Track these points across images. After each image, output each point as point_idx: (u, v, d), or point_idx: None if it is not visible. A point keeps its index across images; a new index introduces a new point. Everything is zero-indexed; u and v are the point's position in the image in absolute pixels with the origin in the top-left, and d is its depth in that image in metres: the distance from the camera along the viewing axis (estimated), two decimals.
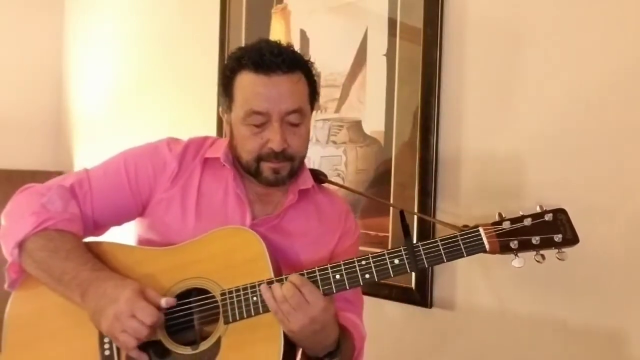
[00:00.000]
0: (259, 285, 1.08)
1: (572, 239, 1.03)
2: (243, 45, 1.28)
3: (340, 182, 1.72)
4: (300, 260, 1.23)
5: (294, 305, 1.03)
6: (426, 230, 1.59)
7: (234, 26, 2.08)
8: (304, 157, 1.22)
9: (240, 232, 1.15)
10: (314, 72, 1.22)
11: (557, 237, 1.03)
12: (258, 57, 1.14)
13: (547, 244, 1.03)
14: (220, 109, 1.25)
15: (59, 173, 1.18)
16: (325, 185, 1.35)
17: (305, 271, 1.08)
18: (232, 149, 1.22)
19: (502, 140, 1.49)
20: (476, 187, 1.53)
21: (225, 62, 1.23)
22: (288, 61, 1.15)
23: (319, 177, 1.32)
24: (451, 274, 1.57)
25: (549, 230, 1.03)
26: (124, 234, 1.28)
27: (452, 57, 1.57)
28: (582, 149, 1.36)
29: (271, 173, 1.17)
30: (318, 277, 1.07)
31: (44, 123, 2.98)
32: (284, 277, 1.08)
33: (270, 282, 1.07)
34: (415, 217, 1.59)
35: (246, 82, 1.15)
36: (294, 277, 1.06)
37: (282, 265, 1.19)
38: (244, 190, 1.23)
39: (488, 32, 1.52)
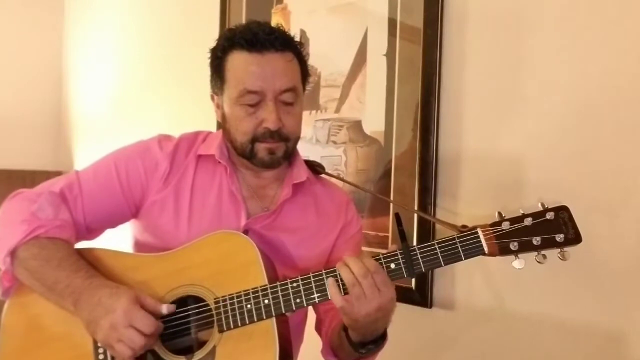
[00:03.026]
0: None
1: (574, 238, 1.00)
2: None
3: None
4: (299, 255, 1.22)
5: (366, 289, 1.00)
6: (426, 231, 1.59)
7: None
8: (298, 138, 1.20)
9: (233, 237, 1.13)
10: (304, 53, 1.21)
11: (559, 237, 1.00)
12: (251, 35, 1.12)
13: (549, 244, 1.00)
14: (210, 92, 1.23)
15: (59, 173, 1.17)
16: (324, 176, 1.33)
17: (299, 277, 1.06)
18: (225, 132, 1.20)
19: (502, 140, 1.49)
20: (476, 187, 1.53)
21: (215, 43, 1.21)
22: (281, 39, 1.14)
23: (315, 168, 1.30)
24: (451, 274, 1.57)
25: (551, 230, 1.01)
26: (120, 235, 1.28)
27: (452, 57, 1.57)
28: (583, 149, 1.36)
29: (266, 154, 1.15)
30: (313, 283, 1.06)
31: (44, 123, 2.97)
32: (380, 256, 1.04)
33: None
34: (415, 218, 1.59)
35: (238, 61, 1.14)
36: (369, 262, 1.02)
37: (280, 261, 1.18)
38: (239, 187, 1.21)
39: (488, 32, 1.52)
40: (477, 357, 1.53)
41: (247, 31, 1.14)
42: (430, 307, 1.59)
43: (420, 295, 1.60)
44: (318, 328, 1.29)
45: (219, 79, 1.18)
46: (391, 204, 1.67)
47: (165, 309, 1.05)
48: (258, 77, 1.12)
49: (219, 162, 1.20)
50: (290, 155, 1.21)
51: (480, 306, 1.52)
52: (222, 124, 1.21)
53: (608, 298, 1.32)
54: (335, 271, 1.05)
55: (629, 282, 1.29)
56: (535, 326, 1.42)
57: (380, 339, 1.11)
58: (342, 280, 1.02)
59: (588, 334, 1.35)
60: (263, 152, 1.15)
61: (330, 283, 1.04)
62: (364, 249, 1.42)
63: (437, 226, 1.58)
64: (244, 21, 2.05)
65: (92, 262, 1.14)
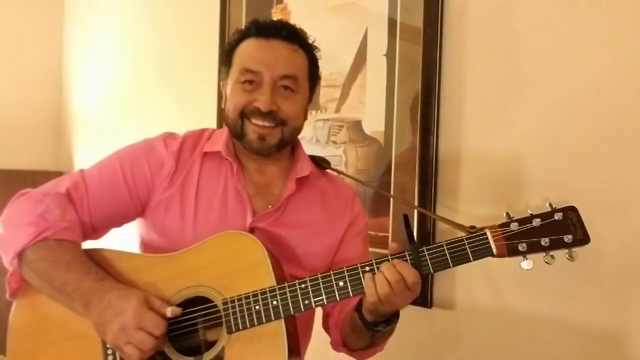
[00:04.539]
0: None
1: (582, 239, 1.00)
2: None
3: None
4: (307, 251, 1.22)
5: (397, 293, 1.01)
6: (426, 232, 1.59)
7: (234, 26, 2.07)
8: (296, 126, 1.20)
9: (241, 238, 1.12)
10: (315, 51, 1.22)
11: (567, 238, 1.00)
12: (260, 24, 1.18)
13: (557, 245, 1.00)
14: (222, 83, 1.26)
15: (59, 173, 1.17)
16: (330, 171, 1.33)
17: (308, 278, 1.06)
18: (224, 117, 1.22)
19: (502, 140, 1.49)
20: (476, 187, 1.53)
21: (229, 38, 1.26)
22: (289, 30, 1.18)
23: (320, 164, 1.30)
24: (451, 274, 1.57)
25: (559, 231, 1.00)
26: (124, 234, 1.28)
27: (452, 57, 1.57)
28: (582, 148, 1.36)
29: (256, 138, 1.16)
30: (321, 285, 1.06)
31: (44, 123, 2.97)
32: (388, 257, 1.04)
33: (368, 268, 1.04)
34: (416, 219, 1.59)
35: (246, 46, 1.19)
36: (401, 268, 1.01)
37: (288, 258, 1.18)
38: (244, 184, 1.21)
39: (488, 32, 1.52)
40: (477, 357, 1.53)
41: (258, 21, 1.19)
42: (430, 307, 1.60)
43: (420, 295, 1.59)
44: (325, 323, 1.29)
45: (227, 65, 1.22)
46: (391, 205, 1.67)
47: (169, 312, 1.04)
48: (259, 59, 1.15)
49: (225, 160, 1.20)
50: (286, 143, 1.21)
51: (480, 306, 1.52)
52: (224, 110, 1.23)
53: (608, 298, 1.32)
54: (341, 272, 1.06)
55: (629, 282, 1.30)
56: (536, 326, 1.42)
57: (393, 317, 1.10)
58: (375, 281, 1.02)
59: (588, 334, 1.35)
60: (252, 134, 1.16)
61: (367, 278, 1.03)
62: None
63: (438, 227, 1.58)
64: (244, 22, 2.07)
65: (99, 263, 1.13)
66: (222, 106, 1.24)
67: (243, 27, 1.24)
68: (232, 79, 1.18)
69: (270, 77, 1.14)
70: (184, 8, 2.43)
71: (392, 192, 1.67)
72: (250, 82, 1.15)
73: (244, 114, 1.16)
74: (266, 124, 1.15)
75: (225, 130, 1.25)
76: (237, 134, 1.18)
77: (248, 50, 1.17)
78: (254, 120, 1.15)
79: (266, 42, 1.16)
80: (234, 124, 1.17)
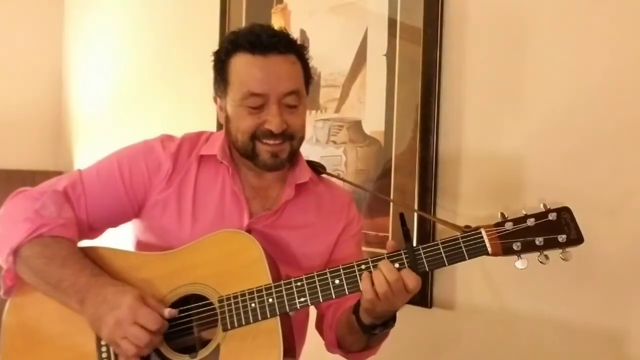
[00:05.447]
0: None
1: (576, 239, 1.01)
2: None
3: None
4: (302, 253, 1.22)
5: (395, 291, 1.01)
6: (426, 232, 1.59)
7: (234, 26, 2.07)
8: (302, 137, 1.20)
9: (238, 236, 1.13)
10: (307, 56, 1.21)
11: (561, 238, 1.00)
12: (254, 37, 1.13)
13: (551, 244, 1.01)
14: (213, 95, 1.23)
15: (59, 173, 1.16)
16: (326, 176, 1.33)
17: (304, 276, 1.07)
18: (228, 134, 1.20)
19: (502, 140, 1.49)
20: (476, 188, 1.53)
21: (219, 45, 1.21)
22: (284, 42, 1.15)
23: (317, 169, 1.31)
24: (451, 274, 1.57)
25: (553, 231, 1.01)
26: (121, 234, 1.28)
27: (452, 57, 1.57)
28: (583, 149, 1.36)
29: (269, 156, 1.15)
30: (317, 283, 1.06)
31: (44, 123, 2.97)
32: (384, 256, 1.04)
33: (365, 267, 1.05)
34: (415, 220, 1.59)
35: (242, 63, 1.14)
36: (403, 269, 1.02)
37: (283, 260, 1.18)
38: (241, 187, 1.21)
39: (488, 32, 1.52)
40: (477, 357, 1.53)
41: (250, 34, 1.14)
42: (430, 307, 1.59)
43: (420, 295, 1.58)
44: (319, 324, 1.29)
45: (222, 81, 1.18)
46: (391, 204, 1.67)
47: (166, 313, 1.04)
48: (262, 80, 1.12)
49: (221, 163, 1.21)
50: (294, 155, 1.21)
51: (480, 306, 1.52)
52: (225, 126, 1.21)
53: (608, 298, 1.32)
54: (337, 270, 1.06)
55: (629, 282, 1.30)
56: (535, 326, 1.42)
57: (390, 320, 1.10)
58: (373, 280, 1.03)
59: (588, 334, 1.35)
60: (265, 154, 1.15)
61: (364, 276, 1.03)
62: (364, 249, 1.42)
63: (438, 227, 1.58)
64: (244, 21, 2.06)
65: (95, 261, 1.13)
66: (221, 120, 1.22)
67: (235, 30, 1.20)
68: (233, 100, 1.15)
69: (276, 96, 1.12)
70: (183, 8, 2.43)
71: (392, 192, 1.67)
72: (256, 106, 1.13)
73: (255, 137, 1.15)
74: (277, 142, 1.15)
75: (222, 133, 1.25)
76: (249, 155, 1.17)
77: (247, 70, 1.13)
78: (265, 141, 1.14)
79: (264, 59, 1.12)
80: (244, 146, 1.16)
